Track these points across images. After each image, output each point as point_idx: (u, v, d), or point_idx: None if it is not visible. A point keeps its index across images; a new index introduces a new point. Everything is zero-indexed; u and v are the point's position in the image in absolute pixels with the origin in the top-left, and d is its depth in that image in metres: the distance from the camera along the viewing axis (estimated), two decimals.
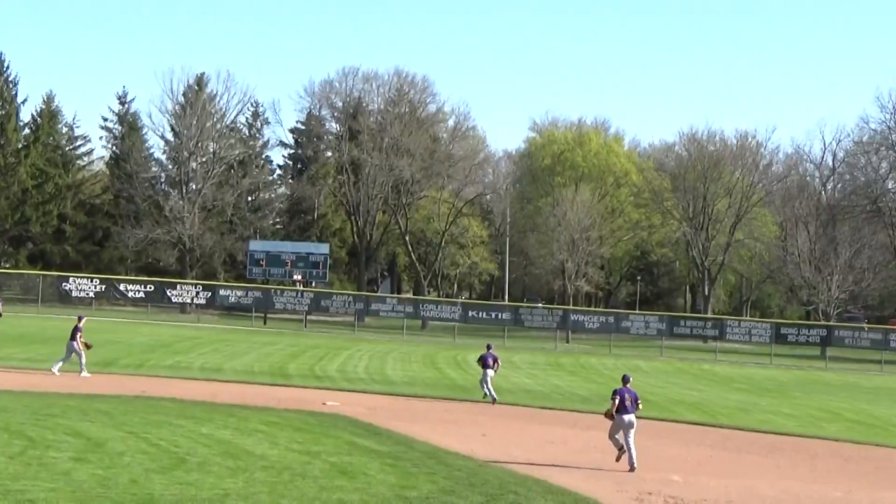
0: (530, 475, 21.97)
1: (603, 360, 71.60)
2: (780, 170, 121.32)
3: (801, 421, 39.28)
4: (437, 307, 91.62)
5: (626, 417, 24.29)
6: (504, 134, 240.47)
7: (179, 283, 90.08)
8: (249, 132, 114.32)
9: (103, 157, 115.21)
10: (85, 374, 38.21)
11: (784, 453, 29.83)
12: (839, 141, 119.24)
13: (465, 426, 30.54)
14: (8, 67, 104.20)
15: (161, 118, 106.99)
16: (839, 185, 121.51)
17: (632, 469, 23.97)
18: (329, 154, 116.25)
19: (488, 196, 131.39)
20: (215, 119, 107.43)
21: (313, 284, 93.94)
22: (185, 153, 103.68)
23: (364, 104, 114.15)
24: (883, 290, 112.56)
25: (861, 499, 23.08)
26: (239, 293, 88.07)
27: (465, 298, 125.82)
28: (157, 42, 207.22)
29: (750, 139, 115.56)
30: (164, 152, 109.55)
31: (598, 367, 63.09)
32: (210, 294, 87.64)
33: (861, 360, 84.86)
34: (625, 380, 25.21)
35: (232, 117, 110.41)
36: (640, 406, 24.88)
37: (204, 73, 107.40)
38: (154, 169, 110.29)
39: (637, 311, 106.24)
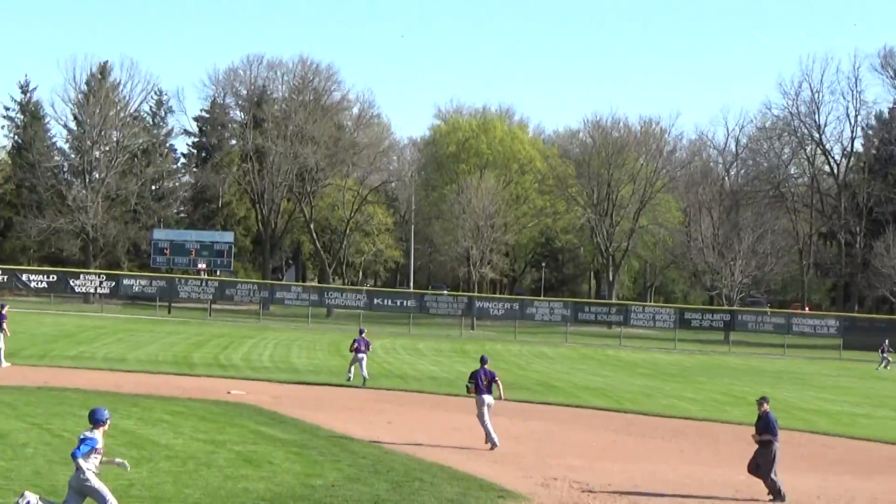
0: (436, 462, 22.09)
1: (508, 347, 72.00)
2: (683, 156, 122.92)
3: (704, 405, 39.80)
4: (342, 295, 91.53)
5: (484, 397, 25.19)
6: (409, 121, 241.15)
7: (83, 272, 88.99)
8: (153, 121, 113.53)
9: (5, 146, 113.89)
10: (4, 364, 37.89)
11: (688, 437, 30.24)
12: (742, 127, 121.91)
13: (371, 414, 30.56)
14: None
15: (64, 107, 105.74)
16: (742, 171, 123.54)
17: (492, 447, 24.69)
18: (233, 142, 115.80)
19: (393, 184, 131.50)
20: (119, 107, 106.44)
21: (218, 273, 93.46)
22: (89, 142, 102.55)
23: (268, 92, 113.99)
24: (785, 275, 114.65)
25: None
26: (143, 282, 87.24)
27: (371, 286, 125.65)
28: (59, 30, 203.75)
29: (654, 125, 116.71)
30: (67, 141, 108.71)
31: (503, 354, 63.18)
32: (114, 283, 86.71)
33: (764, 344, 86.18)
34: (482, 360, 26.22)
35: (136, 106, 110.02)
36: (500, 383, 25.57)
37: (107, 61, 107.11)
38: (57, 158, 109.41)
39: (542, 298, 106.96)
